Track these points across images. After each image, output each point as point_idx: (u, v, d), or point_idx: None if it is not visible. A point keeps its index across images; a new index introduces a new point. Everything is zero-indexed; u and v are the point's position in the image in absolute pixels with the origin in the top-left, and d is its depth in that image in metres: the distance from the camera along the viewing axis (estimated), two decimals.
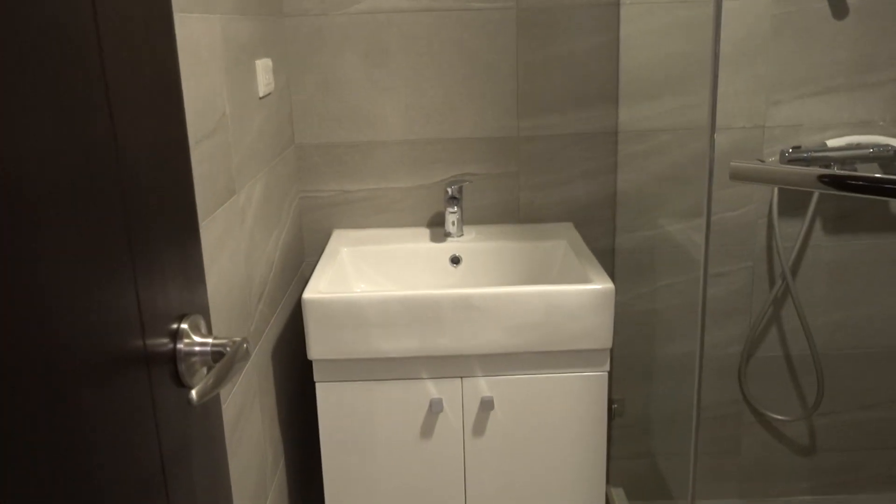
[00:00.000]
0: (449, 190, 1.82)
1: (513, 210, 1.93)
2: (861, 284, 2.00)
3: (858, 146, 1.82)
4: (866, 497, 2.16)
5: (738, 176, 1.09)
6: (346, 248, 1.81)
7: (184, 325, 0.71)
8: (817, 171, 1.05)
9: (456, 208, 1.83)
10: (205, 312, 0.77)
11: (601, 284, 1.51)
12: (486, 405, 1.56)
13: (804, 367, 2.06)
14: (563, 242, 1.79)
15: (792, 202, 1.93)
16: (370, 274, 1.80)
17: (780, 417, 2.09)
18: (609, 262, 1.95)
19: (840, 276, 2.00)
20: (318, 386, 1.56)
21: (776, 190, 1.91)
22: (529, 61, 1.83)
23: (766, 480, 2.16)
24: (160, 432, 0.63)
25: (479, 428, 1.58)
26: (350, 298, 1.50)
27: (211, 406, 0.76)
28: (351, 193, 1.91)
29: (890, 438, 2.13)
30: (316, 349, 1.52)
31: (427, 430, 1.58)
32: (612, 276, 1.96)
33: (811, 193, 1.91)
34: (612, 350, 1.56)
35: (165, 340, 0.69)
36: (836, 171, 1.06)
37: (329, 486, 1.60)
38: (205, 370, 0.73)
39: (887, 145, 1.80)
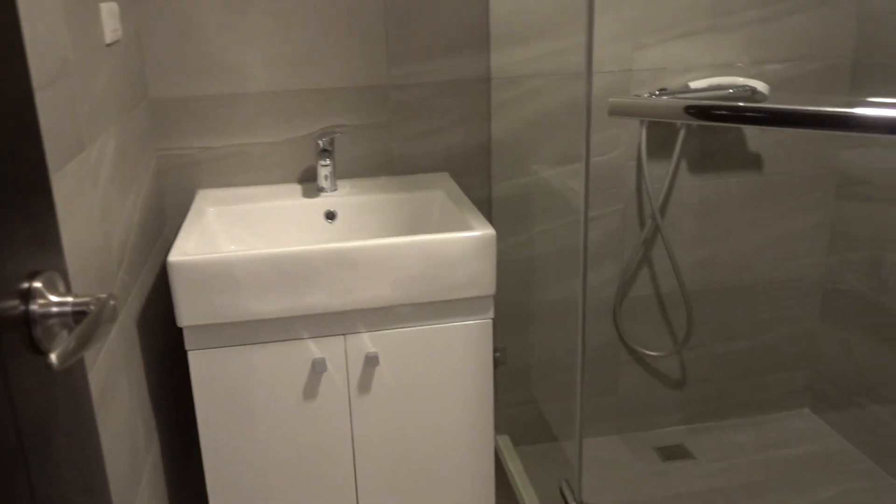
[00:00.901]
0: (320, 143, 1.74)
1: (387, 161, 1.87)
2: (724, 221, 2.09)
3: (719, 87, 1.88)
4: (732, 422, 2.29)
5: (615, 111, 1.09)
6: (212, 209, 1.70)
7: (37, 284, 0.62)
8: (686, 102, 1.06)
9: (328, 161, 1.75)
10: (62, 270, 0.67)
11: (481, 231, 1.49)
12: (371, 361, 1.52)
13: (674, 304, 2.14)
14: (440, 192, 1.76)
15: (659, 144, 1.98)
16: (240, 234, 1.71)
17: (653, 354, 2.16)
18: (486, 210, 1.94)
19: (705, 214, 2.07)
20: (190, 354, 1.46)
21: (644, 133, 1.95)
22: (397, 6, 1.77)
23: (642, 414, 2.24)
24: (14, 404, 0.54)
25: (364, 385, 1.53)
26: (219, 259, 1.41)
27: (75, 371, 0.68)
28: (214, 150, 1.80)
29: (752, 366, 2.25)
30: (186, 315, 1.42)
31: (311, 391, 1.52)
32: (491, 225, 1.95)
33: (676, 135, 1.96)
34: (494, 297, 1.55)
35: (15, 302, 0.60)
36: (702, 101, 1.09)
37: (208, 459, 1.52)
38: (66, 333, 0.65)
39: (745, 85, 1.87)
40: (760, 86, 1.89)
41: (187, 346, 1.46)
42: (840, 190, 2.11)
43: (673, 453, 2.16)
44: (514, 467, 2.00)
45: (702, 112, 1.10)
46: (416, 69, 1.82)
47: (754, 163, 2.05)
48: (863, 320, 2.07)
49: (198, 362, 1.47)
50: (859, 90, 1.97)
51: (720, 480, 2.04)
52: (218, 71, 1.74)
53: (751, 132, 2.02)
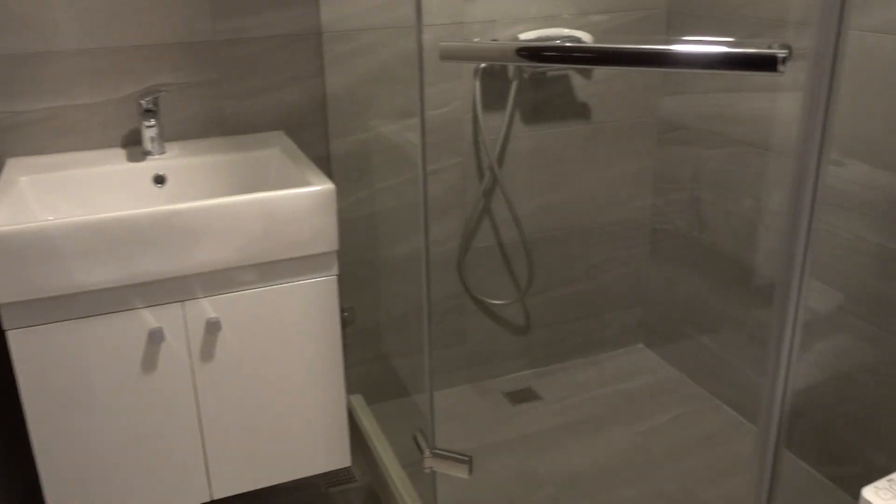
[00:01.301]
0: (142, 103, 1.64)
1: (219, 121, 1.79)
2: (558, 170, 2.17)
3: (547, 38, 1.93)
4: (574, 362, 2.41)
5: (447, 54, 1.09)
6: (24, 178, 1.56)
7: None
8: (517, 44, 1.08)
9: (153, 122, 1.66)
10: None
11: (321, 185, 1.46)
12: (213, 327, 1.46)
13: (516, 253, 2.20)
14: (275, 150, 1.71)
15: (493, 97, 2.01)
16: (60, 205, 1.58)
17: (498, 302, 2.22)
18: (326, 167, 1.91)
19: (540, 163, 2.14)
20: (9, 334, 1.35)
21: (478, 85, 1.97)
22: None
23: (490, 363, 2.31)
24: None
25: (207, 353, 1.48)
26: (36, 229, 1.30)
27: None
28: (23, 115, 1.65)
29: (590, 308, 2.37)
30: (1, 292, 1.31)
31: (149, 363, 1.45)
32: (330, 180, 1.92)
33: (509, 87, 2.00)
34: (338, 254, 1.53)
35: None
36: (533, 44, 1.12)
37: (40, 447, 1.42)
38: None
39: (571, 35, 1.93)
40: (585, 36, 1.96)
41: (5, 326, 1.34)
42: (661, 136, 2.24)
43: (521, 396, 2.24)
44: (370, 425, 2.01)
45: (533, 53, 1.12)
46: (243, 23, 1.74)
47: (583, 112, 2.13)
48: (686, 257, 2.22)
49: (19, 342, 1.36)
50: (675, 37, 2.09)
51: (566, 417, 2.14)
52: (20, 26, 1.59)
53: (578, 83, 2.10)
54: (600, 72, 2.11)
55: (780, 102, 1.83)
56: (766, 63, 1.03)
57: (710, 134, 2.05)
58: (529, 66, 1.97)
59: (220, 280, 1.45)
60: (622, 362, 2.41)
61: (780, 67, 1.02)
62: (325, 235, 1.48)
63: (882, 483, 1.16)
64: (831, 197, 1.71)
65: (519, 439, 2.05)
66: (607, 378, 2.33)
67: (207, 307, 1.46)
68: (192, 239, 1.39)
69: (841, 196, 1.69)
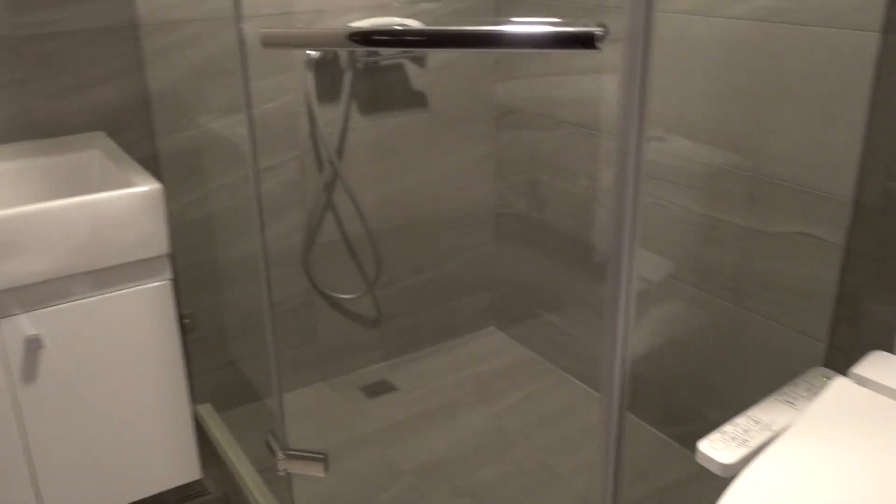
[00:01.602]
0: None
1: (29, 124, 1.65)
2: (400, 159, 2.16)
3: (378, 27, 1.91)
4: (428, 350, 2.42)
5: (269, 42, 1.05)
6: None
7: None
8: (347, 29, 1.05)
9: None
10: None
11: (147, 186, 1.38)
12: (33, 345, 1.35)
13: (362, 246, 2.18)
14: (96, 152, 1.60)
15: (328, 88, 1.98)
16: None
17: (347, 297, 2.19)
18: (153, 168, 1.80)
19: (381, 154, 2.12)
20: None
21: (311, 77, 1.93)
22: None
23: (344, 358, 2.27)
24: None
25: (29, 373, 1.36)
26: None
27: None
28: None
29: (441, 295, 2.38)
30: None
31: None
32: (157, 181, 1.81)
33: (343, 78, 1.97)
34: (173, 258, 1.45)
35: None
36: (363, 28, 1.10)
37: None
38: None
39: (402, 24, 1.93)
40: (417, 25, 1.96)
41: None
42: (498, 121, 2.28)
43: (377, 389, 2.23)
44: (221, 434, 1.93)
45: (364, 38, 1.09)
46: (46, 16, 1.61)
47: (420, 101, 2.13)
48: (529, 239, 2.28)
49: None
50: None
51: (422, 406, 2.15)
52: None
53: (413, 72, 2.10)
54: (434, 60, 2.12)
55: (605, 84, 1.90)
56: (585, 41, 1.05)
57: (544, 117, 2.11)
58: (362, 55, 1.95)
59: (41, 293, 1.34)
60: (475, 346, 2.44)
61: (598, 44, 1.05)
62: (154, 238, 1.40)
63: (715, 435, 1.24)
64: (656, 171, 1.80)
65: (377, 432, 2.04)
66: (461, 363, 2.35)
67: (27, 323, 1.34)
68: (5, 250, 1.27)
69: (666, 170, 1.78)
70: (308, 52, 1.91)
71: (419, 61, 2.10)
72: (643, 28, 1.11)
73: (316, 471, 1.47)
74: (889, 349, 1.33)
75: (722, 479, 1.14)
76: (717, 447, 1.20)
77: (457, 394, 2.20)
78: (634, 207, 1.20)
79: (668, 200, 1.79)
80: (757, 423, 1.25)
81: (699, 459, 1.22)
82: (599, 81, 1.93)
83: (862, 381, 1.23)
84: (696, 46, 1.65)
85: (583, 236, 2.09)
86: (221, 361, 2.06)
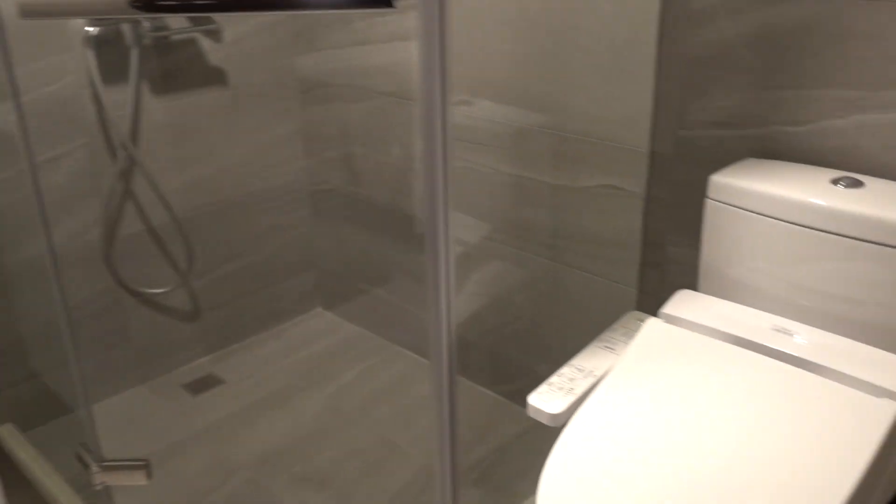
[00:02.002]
0: None
1: None
2: (202, 140, 2.04)
3: None
4: (255, 338, 2.32)
5: (29, 12, 0.93)
6: None
7: None
8: None
9: None
10: None
11: None
12: None
13: (170, 235, 2.04)
14: None
15: (113, 68, 1.82)
16: None
17: (159, 291, 2.06)
18: None
19: (181, 136, 1.99)
20: None
21: (93, 56, 1.76)
22: None
23: (163, 357, 2.14)
24: None
25: None
26: None
27: None
28: None
29: (263, 280, 2.29)
30: None
31: None
32: None
33: (130, 56, 1.82)
34: None
35: None
36: None
37: None
38: None
39: None
40: None
41: None
42: (303, 95, 2.20)
43: (203, 385, 2.11)
44: (27, 455, 1.75)
45: (147, 5, 0.98)
46: None
47: (219, 77, 2.02)
48: (348, 214, 2.23)
49: None
50: None
51: (253, 395, 2.06)
52: None
53: (208, 46, 1.97)
54: (230, 33, 2.01)
55: (410, 51, 1.88)
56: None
57: (352, 88, 2.07)
58: (148, 29, 1.80)
59: None
60: (303, 329, 2.38)
61: (394, 3, 1.02)
62: None
63: (542, 388, 1.26)
64: (465, 135, 1.81)
65: (206, 429, 1.93)
66: (290, 348, 2.28)
67: None
68: None
69: (474, 133, 1.79)
70: (86, 27, 1.75)
71: (214, 35, 1.98)
72: None
73: (137, 479, 1.36)
74: (693, 288, 1.42)
75: (556, 429, 1.17)
76: (545, 399, 1.23)
77: (288, 379, 2.13)
78: (445, 173, 1.19)
79: (479, 163, 1.81)
80: (581, 371, 1.29)
81: (530, 412, 1.24)
82: (404, 48, 1.90)
83: (671, 320, 1.30)
84: (495, 9, 1.66)
85: (401, 206, 2.07)
86: (21, 376, 1.87)
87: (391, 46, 1.93)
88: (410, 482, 1.76)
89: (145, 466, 1.35)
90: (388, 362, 2.21)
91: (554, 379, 1.28)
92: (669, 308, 1.31)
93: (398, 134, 2.00)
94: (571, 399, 1.23)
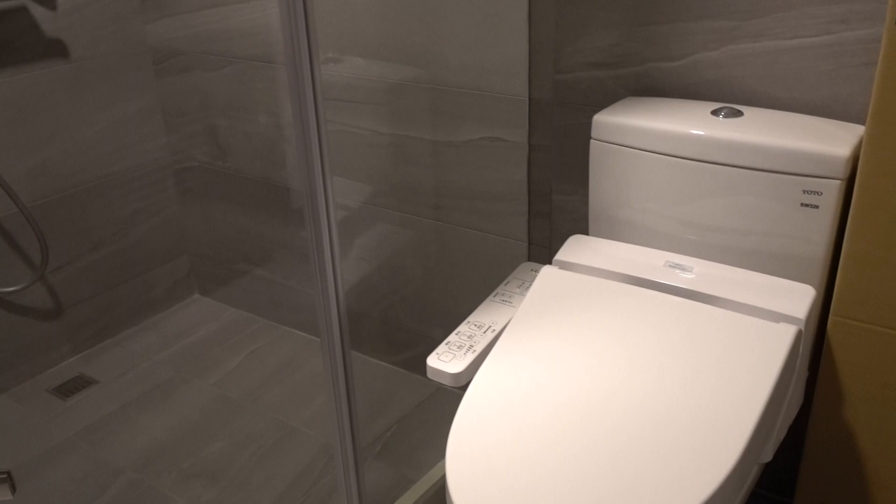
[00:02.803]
0: None
1: None
2: (45, 121, 1.85)
3: None
4: (128, 332, 2.16)
5: None
6: None
7: None
8: None
9: None
10: None
11: None
12: None
13: (19, 227, 1.85)
14: None
15: None
16: None
17: (10, 289, 1.86)
18: None
19: (18, 117, 1.80)
20: None
21: None
22: None
23: (23, 362, 1.95)
24: None
25: None
26: None
27: None
28: None
29: (129, 269, 2.13)
30: None
31: None
32: None
33: None
34: None
35: None
36: None
37: None
38: None
39: None
40: None
41: None
42: (157, 66, 2.04)
43: (73, 387, 1.94)
44: None
45: None
46: None
47: (58, 51, 1.83)
48: (218, 191, 2.10)
49: None
50: None
51: (131, 393, 1.91)
52: None
53: (41, 15, 1.78)
54: (66, 1, 1.82)
55: (269, 10, 1.76)
56: None
57: (210, 55, 1.92)
58: None
59: None
60: (180, 318, 2.23)
61: None
62: None
63: (441, 348, 1.21)
64: (337, 95, 1.71)
65: (81, 434, 1.78)
66: (168, 339, 2.14)
67: None
68: None
69: (346, 92, 1.70)
70: None
71: (48, 2, 1.79)
72: None
73: (1, 494, 1.21)
74: (585, 234, 1.40)
75: (458, 392, 1.12)
76: (445, 359, 1.18)
77: (168, 372, 1.99)
78: (321, 137, 1.11)
79: (353, 124, 1.72)
80: (479, 327, 1.24)
81: (431, 375, 1.18)
82: (262, 7, 1.78)
83: (565, 266, 1.27)
84: None
85: (275, 178, 1.96)
86: None
87: (249, 6, 1.80)
88: (310, 464, 1.67)
89: (7, 479, 1.21)
90: (275, 344, 2.10)
91: (452, 338, 1.23)
92: (562, 254, 1.28)
93: (265, 101, 1.88)
94: (472, 357, 1.18)
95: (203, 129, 2.04)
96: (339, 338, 1.22)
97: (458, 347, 1.20)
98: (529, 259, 1.60)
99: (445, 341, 1.22)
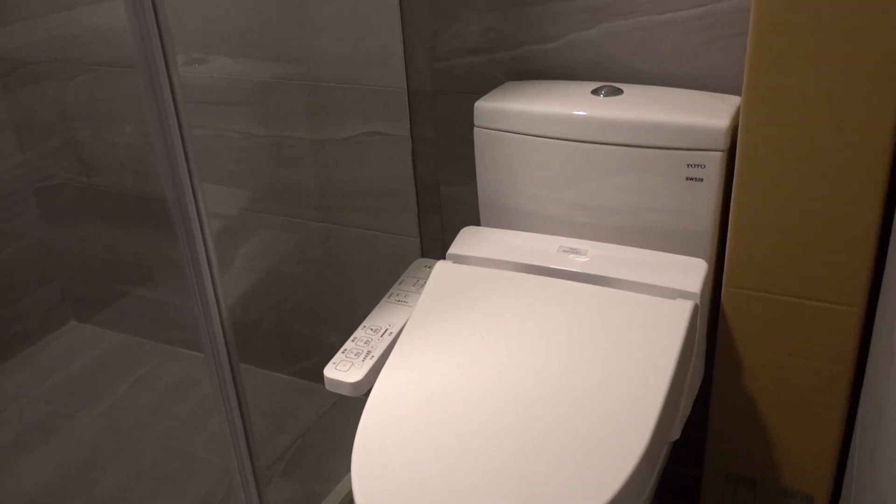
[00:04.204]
0: None
1: None
2: None
3: None
4: (2, 367, 2.00)
5: None
6: None
7: None
8: None
9: None
10: None
11: None
12: None
13: None
14: None
15: None
16: None
17: None
18: None
19: None
20: None
21: None
22: None
23: None
24: None
25: None
26: None
27: None
28: None
29: None
30: None
31: None
32: None
33: None
34: None
35: None
36: None
37: None
38: None
39: None
40: None
41: None
42: (5, 78, 1.88)
43: None
44: None
45: None
46: None
47: None
48: (86, 210, 1.95)
49: None
50: None
51: (7, 434, 1.76)
52: None
53: None
54: None
55: (121, 10, 1.64)
56: None
57: (63, 63, 1.78)
58: None
59: None
60: (57, 348, 2.07)
61: None
62: None
63: (338, 357, 1.15)
64: (205, 98, 1.62)
65: None
66: (45, 372, 1.98)
67: None
68: None
69: (214, 94, 1.61)
70: None
71: None
72: None
73: None
74: (476, 225, 1.36)
75: (362, 399, 1.07)
76: (342, 368, 1.12)
77: (49, 407, 1.85)
78: (185, 144, 1.04)
79: (225, 127, 1.63)
80: (376, 331, 1.19)
81: (329, 386, 1.13)
82: (115, 8, 1.66)
83: (459, 259, 1.23)
84: None
85: (149, 190, 1.84)
86: None
87: (101, 7, 1.67)
88: (211, 490, 1.58)
89: None
90: (164, 366, 1.98)
91: (349, 345, 1.17)
92: (455, 248, 1.24)
93: (129, 108, 1.76)
94: (370, 363, 1.13)
95: (63, 144, 1.89)
96: (226, 354, 1.15)
97: (356, 354, 1.14)
98: (423, 255, 1.56)
99: (342, 349, 1.16)
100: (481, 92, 1.35)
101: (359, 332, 1.19)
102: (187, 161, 1.04)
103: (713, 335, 1.20)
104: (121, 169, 1.84)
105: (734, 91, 1.18)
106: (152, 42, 0.96)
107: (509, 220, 1.28)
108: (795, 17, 0.93)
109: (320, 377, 1.17)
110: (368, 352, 1.15)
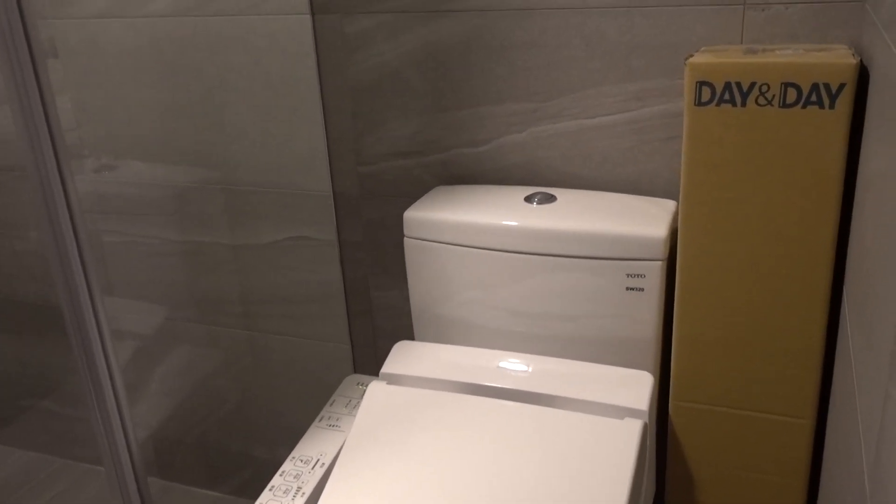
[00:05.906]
0: None
1: None
2: None
3: None
4: None
5: None
6: None
7: None
8: None
9: None
10: None
11: None
12: None
13: None
14: None
15: None
16: None
17: None
18: None
19: None
20: None
21: None
22: None
23: None
24: None
25: None
26: None
27: None
28: None
29: None
30: None
31: None
32: None
33: None
34: None
35: None
36: None
37: None
38: None
39: None
40: None
41: None
42: None
43: None
44: None
45: None
46: None
47: None
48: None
49: None
50: None
51: None
52: None
53: None
54: None
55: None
56: None
57: None
58: None
59: None
60: None
61: None
62: None
63: (265, 497, 1.05)
64: (117, 205, 1.52)
65: None
66: None
67: None
68: None
69: (127, 202, 1.51)
70: None
71: None
72: (24, 39, 0.86)
73: None
74: (409, 333, 1.30)
75: None
76: (282, 500, 1.02)
77: None
78: (82, 256, 0.96)
79: (140, 235, 1.53)
80: (306, 462, 1.10)
81: None
82: (3, 112, 1.56)
83: (393, 379, 1.15)
84: (125, 54, 1.40)
85: (55, 300, 1.71)
86: None
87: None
88: None
89: None
90: (79, 485, 1.82)
91: (276, 481, 1.07)
92: (388, 366, 1.17)
93: (28, 213, 1.64)
94: (301, 501, 1.04)
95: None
96: (131, 471, 1.06)
97: (284, 492, 1.05)
98: (354, 362, 1.48)
99: (269, 486, 1.07)
100: (410, 195, 1.30)
101: (287, 465, 1.10)
102: (85, 272, 0.97)
103: (663, 447, 1.15)
104: (25, 277, 1.71)
105: (668, 194, 1.16)
106: (42, 147, 0.91)
107: (444, 330, 1.22)
108: (728, 133, 0.92)
109: (248, 493, 1.07)
110: (299, 488, 1.06)
